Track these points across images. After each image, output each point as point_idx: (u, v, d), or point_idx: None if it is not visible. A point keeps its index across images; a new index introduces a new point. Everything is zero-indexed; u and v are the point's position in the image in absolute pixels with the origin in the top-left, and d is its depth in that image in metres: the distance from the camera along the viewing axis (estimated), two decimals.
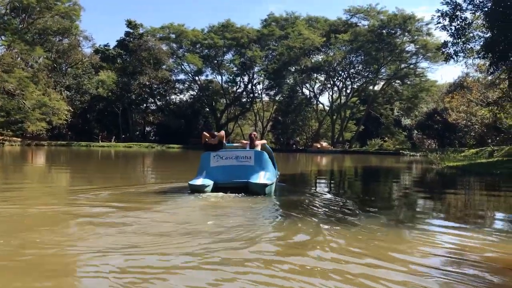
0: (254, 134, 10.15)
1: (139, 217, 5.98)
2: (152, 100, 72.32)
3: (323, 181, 15.36)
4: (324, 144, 60.01)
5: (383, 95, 68.02)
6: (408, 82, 65.33)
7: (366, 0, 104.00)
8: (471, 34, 20.56)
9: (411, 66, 63.65)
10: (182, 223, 5.56)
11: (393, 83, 67.41)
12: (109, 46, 65.65)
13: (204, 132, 9.99)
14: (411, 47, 61.99)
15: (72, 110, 56.05)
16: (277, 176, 10.08)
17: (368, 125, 67.93)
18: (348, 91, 69.42)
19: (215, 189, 8.53)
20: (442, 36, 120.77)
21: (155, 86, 69.56)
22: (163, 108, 71.76)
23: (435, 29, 17.92)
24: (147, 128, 75.24)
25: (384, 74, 67.17)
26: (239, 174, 8.74)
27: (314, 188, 11.77)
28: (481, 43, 20.50)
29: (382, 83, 68.19)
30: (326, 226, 5.52)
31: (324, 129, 73.64)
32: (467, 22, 17.42)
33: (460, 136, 42.48)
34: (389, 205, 8.90)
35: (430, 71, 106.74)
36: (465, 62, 23.11)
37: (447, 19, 16.95)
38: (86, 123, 67.80)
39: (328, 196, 9.46)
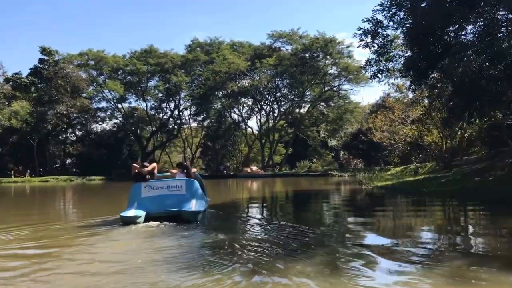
0: (185, 164, 10.53)
1: (73, 259, 5.57)
2: (71, 130, 67.97)
3: (253, 206, 15.12)
4: (254, 168, 59.34)
5: (309, 117, 69.00)
6: (332, 104, 66.90)
7: (288, 25, 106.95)
8: (391, 53, 20.60)
9: (334, 88, 65.31)
10: (120, 261, 5.32)
11: (318, 105, 68.68)
12: (21, 74, 60.91)
13: (134, 164, 10.13)
14: (333, 70, 63.79)
15: None
16: (207, 203, 10.34)
17: (296, 147, 68.35)
18: (276, 114, 69.72)
19: (148, 219, 8.44)
20: (362, 58, 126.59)
21: (75, 115, 65.51)
22: (83, 138, 67.58)
23: (357, 46, 17.64)
24: (68, 160, 70.36)
25: (309, 97, 68.31)
26: (171, 203, 8.83)
27: (244, 213, 11.98)
28: (401, 62, 20.58)
29: (307, 105, 69.27)
30: (253, 249, 5.80)
31: (254, 153, 73.10)
32: (389, 39, 17.24)
33: (385, 155, 43.35)
34: (316, 226, 8.71)
35: (353, 93, 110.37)
36: (387, 82, 23.28)
37: (369, 36, 16.66)
38: None
39: (257, 219, 9.96)
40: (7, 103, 60.83)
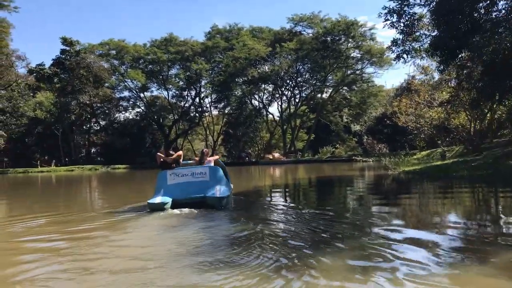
0: (206, 151, 10.76)
1: (109, 243, 5.81)
2: (95, 120, 68.69)
3: (276, 192, 14.86)
4: (276, 155, 58.90)
5: (332, 102, 67.95)
6: (355, 88, 65.63)
7: (308, 8, 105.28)
8: (418, 33, 19.78)
9: (357, 72, 63.98)
10: (148, 245, 5.54)
11: (341, 90, 67.52)
12: (44, 65, 61.58)
13: (158, 153, 10.50)
14: (356, 53, 62.41)
15: (6, 135, 51.90)
16: (231, 189, 10.50)
17: (319, 133, 67.52)
18: (297, 100, 68.90)
19: (174, 205, 8.72)
20: (386, 40, 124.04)
21: (98, 105, 66.12)
22: (107, 127, 68.23)
23: (383, 27, 16.98)
24: (92, 150, 71.27)
25: (331, 81, 67.22)
26: (195, 190, 9.10)
27: (268, 199, 11.82)
28: (429, 42, 19.76)
29: (330, 90, 68.15)
30: (280, 234, 5.99)
31: (275, 139, 72.61)
32: (416, 17, 16.47)
33: (411, 139, 42.33)
34: (343, 215, 8.53)
35: (376, 76, 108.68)
36: (413, 62, 22.44)
37: (395, 15, 15.93)
38: (25, 148, 63.28)
39: (281, 205, 9.79)
40: (32, 94, 61.80)
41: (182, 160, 10.95)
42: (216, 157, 11.06)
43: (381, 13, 15.91)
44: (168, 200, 8.79)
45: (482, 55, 17.49)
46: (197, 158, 11.00)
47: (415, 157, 33.72)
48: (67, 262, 4.90)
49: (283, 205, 9.91)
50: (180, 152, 10.68)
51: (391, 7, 15.87)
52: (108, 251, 5.35)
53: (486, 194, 11.81)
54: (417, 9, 16.62)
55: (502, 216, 7.88)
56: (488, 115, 27.95)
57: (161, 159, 10.10)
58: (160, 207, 8.52)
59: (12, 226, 7.81)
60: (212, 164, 10.25)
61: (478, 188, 12.88)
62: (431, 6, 18.01)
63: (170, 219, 7.65)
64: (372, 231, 6.25)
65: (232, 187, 11.00)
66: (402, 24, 16.30)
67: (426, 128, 36.55)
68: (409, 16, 16.31)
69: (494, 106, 25.67)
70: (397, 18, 16.04)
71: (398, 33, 16.50)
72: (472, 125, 28.78)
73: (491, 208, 8.96)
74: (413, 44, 19.71)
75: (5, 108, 56.60)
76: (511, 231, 6.33)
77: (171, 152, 10.47)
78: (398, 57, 16.94)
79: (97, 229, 7.11)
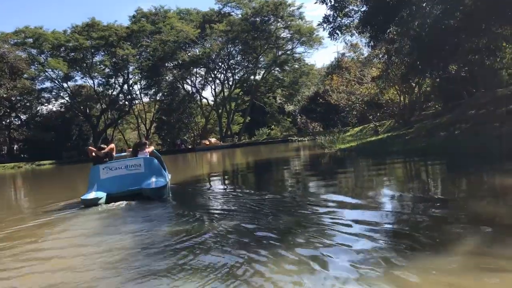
0: (145, 142, 10.63)
1: (38, 249, 5.23)
2: (15, 114, 63.72)
3: (215, 178, 14.77)
4: (213, 140, 58.05)
5: (265, 84, 67.83)
6: (287, 68, 65.82)
7: None
8: (347, 9, 19.57)
9: (288, 52, 64.10)
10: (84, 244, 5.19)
11: (273, 71, 67.45)
12: None
13: (90, 147, 10.41)
14: (285, 33, 62.41)
15: None
16: (168, 179, 10.08)
17: (254, 115, 67.36)
18: (230, 83, 68.01)
19: (109, 200, 8.46)
20: (314, 19, 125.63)
21: (18, 98, 61.25)
22: (29, 121, 63.59)
23: (315, 3, 16.22)
24: (14, 146, 66.19)
25: (263, 63, 66.93)
26: (131, 182, 8.82)
27: (206, 186, 11.72)
28: (358, 18, 19.62)
29: (262, 72, 67.90)
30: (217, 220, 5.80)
31: (211, 124, 71.54)
32: None
33: (343, 116, 43.03)
34: (285, 192, 8.85)
35: (307, 55, 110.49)
36: (344, 39, 22.30)
37: None
38: None
39: (221, 192, 9.86)
40: None
41: (116, 153, 10.66)
42: (151, 148, 10.64)
43: None
44: (103, 195, 8.52)
45: (409, 29, 17.57)
46: (130, 149, 10.77)
47: (348, 133, 34.26)
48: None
49: (222, 191, 9.86)
50: (112, 145, 10.31)
51: None
52: (37, 255, 4.89)
53: (420, 166, 11.73)
54: None
55: (438, 189, 7.70)
56: (416, 89, 28.72)
57: (93, 154, 9.80)
58: (94, 203, 8.23)
59: None
60: (148, 155, 9.92)
61: (413, 161, 12.85)
62: None
63: (106, 215, 7.35)
64: (310, 210, 6.10)
65: (169, 177, 10.67)
66: (332, 0, 15.88)
67: (357, 104, 37.23)
68: None
69: (420, 80, 26.32)
70: None
71: (328, 8, 16.09)
72: (402, 99, 29.51)
73: (428, 181, 8.74)
74: (343, 20, 19.50)
75: None
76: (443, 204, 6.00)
77: (102, 146, 10.17)
78: (331, 34, 16.53)
79: (25, 231, 6.54)
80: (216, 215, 6.28)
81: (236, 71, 68.17)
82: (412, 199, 6.63)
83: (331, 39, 17.67)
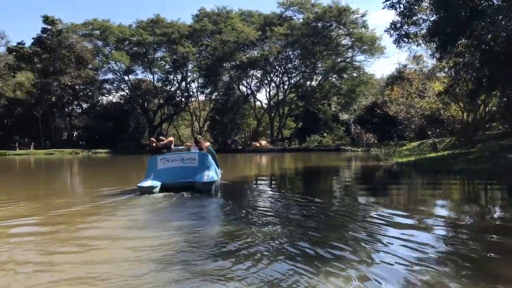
0: (199, 137, 11.23)
1: (98, 225, 5.81)
2: (77, 103, 66.61)
3: (263, 180, 14.68)
4: (263, 142, 57.86)
5: (321, 90, 66.76)
6: (345, 76, 64.47)
7: None
8: (415, 17, 18.67)
9: (347, 59, 62.78)
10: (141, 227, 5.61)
11: (330, 77, 66.31)
12: (24, 44, 59.22)
13: (152, 138, 11.11)
14: (347, 40, 61.12)
15: None
16: (220, 175, 10.67)
17: (307, 121, 66.52)
18: (286, 87, 67.53)
19: (163, 189, 8.97)
20: (377, 28, 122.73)
21: (81, 87, 64.05)
22: (89, 110, 66.24)
23: (382, 8, 15.43)
24: (74, 133, 69.19)
25: (321, 69, 65.94)
26: (184, 175, 9.30)
27: (254, 186, 11.87)
28: (426, 27, 18.67)
29: (319, 78, 66.90)
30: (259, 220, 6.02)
31: (262, 127, 71.42)
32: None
33: (400, 129, 41.50)
34: (331, 198, 8.86)
35: (366, 64, 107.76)
36: (409, 48, 21.34)
37: None
38: (4, 129, 61.13)
39: (268, 193, 10.07)
40: (12, 74, 59.56)
41: (174, 146, 11.10)
42: (208, 143, 11.20)
43: None
44: (157, 184, 8.99)
45: (481, 43, 16.49)
46: (188, 144, 11.41)
47: (405, 148, 32.98)
48: (48, 248, 4.71)
49: (270, 194, 9.86)
50: (171, 138, 10.86)
51: None
52: (95, 235, 5.25)
53: (482, 189, 10.80)
54: None
55: (499, 214, 6.98)
56: (481, 107, 27.15)
57: (153, 144, 10.27)
58: (149, 191, 8.70)
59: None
60: (205, 150, 10.38)
61: (475, 183, 11.90)
62: None
63: (158, 206, 7.64)
64: (360, 224, 5.84)
65: (221, 172, 11.26)
66: (402, 6, 15.11)
67: (416, 118, 35.76)
68: None
69: (487, 98, 24.80)
70: None
71: (397, 14, 15.34)
72: (464, 117, 27.99)
73: (488, 205, 7.92)
74: (410, 28, 18.63)
75: None
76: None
77: (161, 138, 10.74)
78: (397, 41, 15.75)
79: (85, 212, 7.07)
80: (264, 218, 6.26)
81: (293, 75, 67.61)
82: (469, 223, 6.16)
83: (396, 47, 16.84)
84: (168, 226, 5.74)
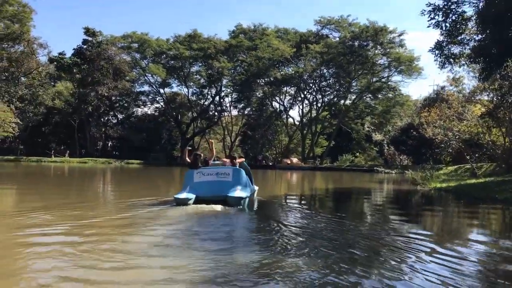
0: (235, 153, 11.72)
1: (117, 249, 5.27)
2: (113, 113, 68.02)
3: (293, 198, 14.75)
4: (295, 160, 57.25)
5: (354, 109, 65.85)
6: (380, 96, 63.39)
7: (335, 13, 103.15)
8: (459, 38, 18.00)
9: (383, 79, 61.81)
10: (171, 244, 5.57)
11: (365, 97, 65.36)
12: (65, 54, 61.14)
13: (188, 148, 12.28)
14: (383, 60, 60.26)
15: (22, 123, 51.40)
16: (254, 191, 11.27)
17: (339, 140, 65.64)
18: (319, 105, 66.99)
19: (197, 201, 9.43)
20: (416, 48, 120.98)
21: (118, 98, 65.49)
22: (124, 121, 67.47)
23: (427, 26, 14.82)
24: (108, 143, 70.59)
25: (355, 88, 65.14)
26: (218, 189, 9.71)
27: (286, 204, 11.71)
28: (470, 48, 17.97)
29: (353, 97, 66.10)
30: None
31: (294, 144, 70.89)
32: (464, 17, 14.67)
33: (436, 152, 40.19)
34: (366, 224, 8.33)
35: (403, 85, 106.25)
36: (451, 69, 20.58)
37: (441, 13, 14.16)
38: (41, 137, 62.99)
39: (300, 211, 10.20)
40: (52, 83, 61.45)
41: (212, 161, 11.61)
42: (242, 159, 11.58)
43: (425, 10, 14.17)
44: (192, 196, 9.49)
45: None
46: (224, 159, 11.78)
47: (441, 172, 31.81)
48: (83, 257, 4.75)
49: (304, 213, 9.86)
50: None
51: (436, 4, 14.13)
52: (131, 250, 5.12)
53: None
54: (467, 7, 14.85)
55: None
56: None
57: (190, 157, 10.87)
58: (185, 202, 9.18)
59: (27, 218, 7.43)
60: (237, 166, 10.74)
61: None
62: (478, 7, 16.24)
63: (192, 215, 8.12)
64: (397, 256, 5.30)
65: (256, 188, 11.74)
66: (447, 25, 14.50)
67: (454, 142, 34.57)
68: (456, 16, 14.50)
69: None
70: (443, 17, 14.25)
71: (441, 34, 14.72)
72: (506, 142, 26.76)
73: None
74: (453, 49, 17.97)
75: (24, 95, 56.24)
76: None
77: (198, 153, 11.07)
78: (442, 62, 15.11)
79: (120, 223, 7.20)
80: (297, 238, 6.21)
81: (327, 93, 67.07)
82: None
83: (438, 67, 16.17)
84: (201, 239, 5.87)
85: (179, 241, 5.65)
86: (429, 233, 7.60)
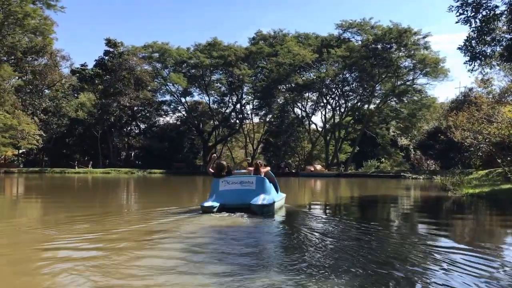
0: (260, 162, 11.48)
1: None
2: (135, 123, 68.40)
3: (318, 206, 14.38)
4: (318, 167, 56.15)
5: (379, 114, 64.31)
6: (405, 100, 61.77)
7: (358, 15, 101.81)
8: (489, 37, 16.95)
9: (408, 82, 60.28)
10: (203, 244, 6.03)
11: (390, 101, 63.81)
12: (86, 65, 61.86)
13: (214, 155, 13.35)
14: (408, 62, 58.84)
15: (45, 134, 52.06)
16: (281, 199, 11.47)
17: (363, 145, 64.26)
18: (342, 110, 65.81)
19: (223, 209, 9.65)
20: (442, 48, 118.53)
21: (140, 108, 65.86)
22: (146, 131, 67.75)
23: (456, 22, 13.76)
24: (132, 153, 70.95)
25: (379, 92, 63.73)
26: (242, 197, 9.87)
27: (310, 213, 11.62)
28: (502, 46, 16.90)
29: (377, 101, 64.66)
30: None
31: (317, 150, 69.83)
32: (496, 12, 13.69)
33: (465, 156, 38.70)
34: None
35: (429, 87, 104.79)
36: (481, 71, 19.42)
37: (470, 8, 13.25)
38: (65, 148, 63.72)
39: (325, 221, 9.80)
40: (75, 95, 62.18)
41: (237, 170, 12.15)
42: (268, 168, 11.61)
43: (452, 6, 13.28)
44: (217, 204, 9.70)
45: None
46: (250, 168, 11.92)
47: (471, 176, 30.48)
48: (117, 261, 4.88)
49: (331, 224, 9.46)
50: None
51: None
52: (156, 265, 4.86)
53: None
54: (498, 2, 13.85)
55: None
56: None
57: (214, 167, 10.98)
58: (210, 210, 9.43)
59: (51, 230, 7.49)
60: (262, 175, 10.87)
61: None
62: (511, 1, 15.22)
63: (218, 221, 8.42)
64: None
65: (283, 196, 11.95)
66: (478, 20, 13.56)
67: (484, 145, 33.14)
68: (487, 11, 13.55)
69: None
70: (472, 12, 13.34)
71: (471, 31, 13.80)
72: None
73: None
74: (483, 48, 16.94)
75: (48, 107, 57.01)
76: None
77: (222, 162, 11.19)
78: (472, 60, 14.15)
79: (146, 230, 7.40)
80: (316, 240, 6.33)
81: (350, 98, 65.88)
82: None
83: (468, 68, 15.11)
84: (227, 245, 5.94)
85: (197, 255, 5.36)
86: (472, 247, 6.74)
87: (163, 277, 4.21)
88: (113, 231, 7.20)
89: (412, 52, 56.41)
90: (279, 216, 9.87)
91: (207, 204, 9.71)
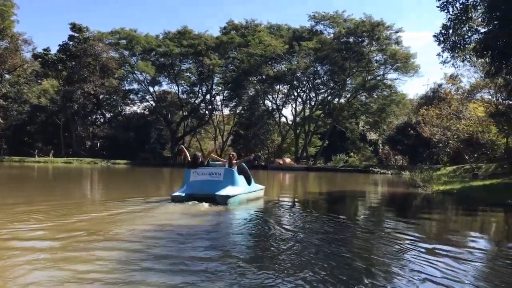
0: (233, 155, 11.99)
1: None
2: (100, 112, 66.01)
3: (287, 199, 14.35)
4: (287, 160, 55.67)
5: (349, 108, 64.32)
6: (375, 95, 61.97)
7: (331, 8, 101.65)
8: (464, 28, 16.49)
9: (379, 77, 60.36)
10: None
11: (360, 95, 63.86)
12: (49, 50, 59.06)
13: (182, 146, 14.96)
14: (379, 57, 58.85)
15: (4, 121, 49.50)
16: (254, 190, 12.03)
17: (333, 139, 64.16)
18: (312, 103, 65.45)
19: (191, 199, 10.05)
20: (412, 45, 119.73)
21: (106, 96, 63.55)
22: (111, 120, 65.51)
23: (437, 6, 13.00)
24: (97, 143, 68.47)
25: (350, 86, 63.68)
26: (210, 188, 10.31)
27: (276, 206, 11.61)
28: (476, 40, 16.45)
29: (348, 95, 64.60)
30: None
31: (287, 143, 69.35)
32: (471, 3, 13.12)
33: (434, 152, 38.89)
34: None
35: (399, 83, 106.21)
36: (453, 64, 19.01)
37: None
38: (26, 136, 60.93)
39: (292, 213, 10.25)
40: (38, 81, 59.46)
41: (212, 161, 12.48)
42: (237, 161, 11.99)
43: None
44: (184, 194, 10.22)
45: None
46: (224, 160, 12.34)
47: (439, 172, 30.48)
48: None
49: (294, 212, 10.48)
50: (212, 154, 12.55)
51: None
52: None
53: None
54: None
55: None
56: None
57: (188, 158, 11.63)
58: (180, 200, 9.97)
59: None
60: (235, 167, 11.28)
61: None
62: None
63: (186, 209, 9.04)
64: None
65: (260, 188, 12.74)
66: (456, 7, 12.95)
67: (453, 141, 33.24)
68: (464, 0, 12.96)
69: None
70: None
71: (448, 19, 13.20)
72: (508, 142, 25.52)
73: None
74: (458, 40, 16.46)
75: (8, 93, 54.21)
76: None
77: (197, 154, 11.99)
78: (448, 50, 13.57)
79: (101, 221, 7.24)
80: (288, 241, 5.92)
81: (321, 91, 65.60)
82: None
83: (440, 60, 14.58)
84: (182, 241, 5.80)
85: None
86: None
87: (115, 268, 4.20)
88: (66, 221, 7.02)
89: (384, 46, 56.48)
90: (248, 207, 10.23)
91: (177, 193, 10.30)
